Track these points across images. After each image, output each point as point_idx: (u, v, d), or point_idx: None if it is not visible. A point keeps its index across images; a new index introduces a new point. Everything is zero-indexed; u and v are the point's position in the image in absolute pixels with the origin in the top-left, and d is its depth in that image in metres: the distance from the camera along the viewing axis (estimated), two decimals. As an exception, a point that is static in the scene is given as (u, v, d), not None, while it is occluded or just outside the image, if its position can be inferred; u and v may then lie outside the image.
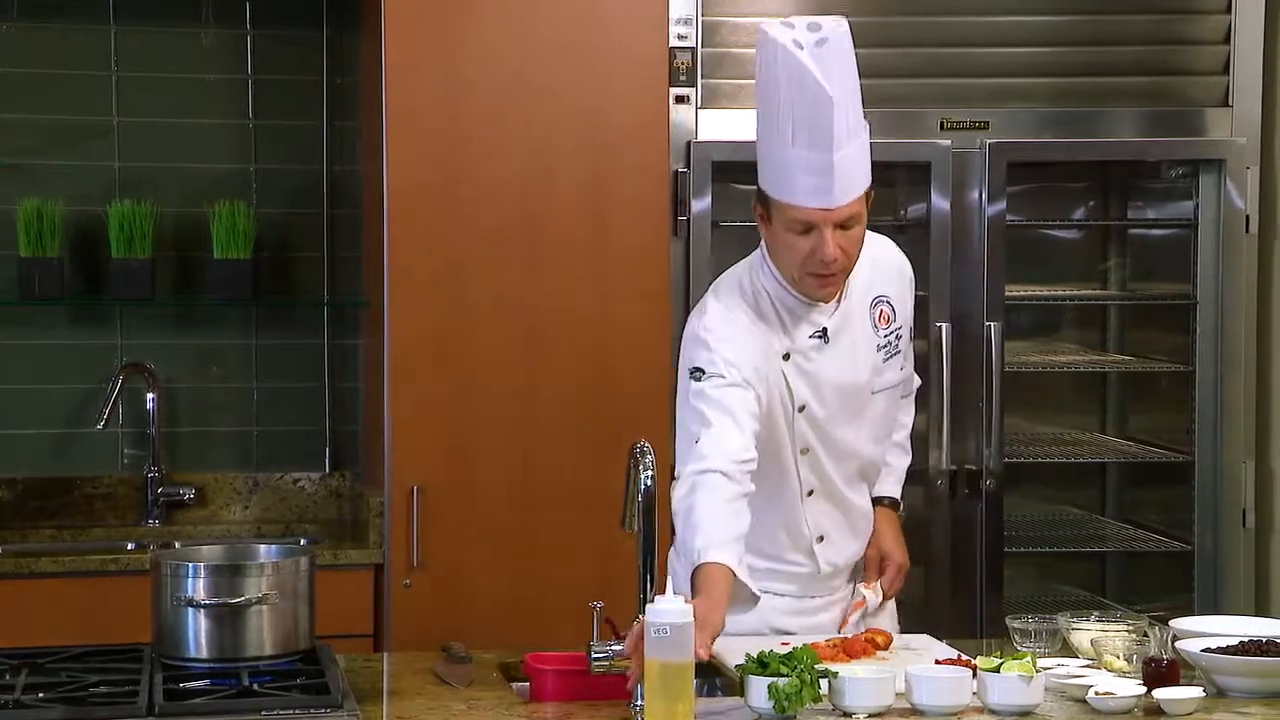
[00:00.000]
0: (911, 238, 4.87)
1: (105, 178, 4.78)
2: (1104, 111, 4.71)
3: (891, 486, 3.49)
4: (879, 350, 3.27)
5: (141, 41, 4.80)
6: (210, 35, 4.85)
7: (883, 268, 3.32)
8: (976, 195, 4.62)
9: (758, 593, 3.03)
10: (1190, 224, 4.80)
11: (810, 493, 3.28)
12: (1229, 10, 4.72)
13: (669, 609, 2.71)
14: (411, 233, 4.32)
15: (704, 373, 3.12)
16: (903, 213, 4.91)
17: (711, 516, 2.98)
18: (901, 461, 3.52)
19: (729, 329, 3.16)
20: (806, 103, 3.04)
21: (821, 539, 3.33)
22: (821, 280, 3.16)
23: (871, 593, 3.39)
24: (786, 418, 3.21)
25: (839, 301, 3.24)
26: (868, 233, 3.26)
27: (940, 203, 4.61)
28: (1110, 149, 4.74)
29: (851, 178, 3.09)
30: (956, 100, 4.64)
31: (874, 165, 4.77)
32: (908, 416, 3.55)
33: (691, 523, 2.99)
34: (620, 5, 4.39)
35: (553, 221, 4.35)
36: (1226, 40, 4.73)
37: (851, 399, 3.25)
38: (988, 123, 4.64)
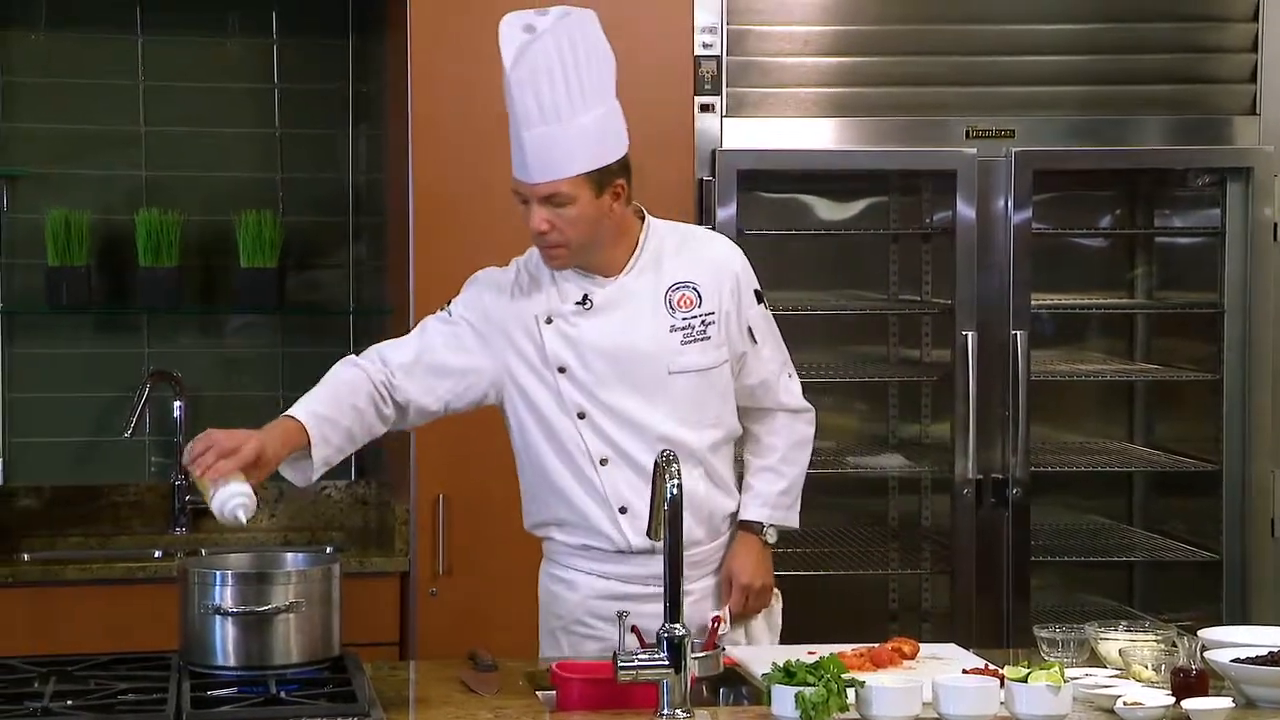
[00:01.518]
0: (937, 246, 4.87)
1: (132, 187, 4.80)
2: (1130, 119, 4.70)
3: (755, 510, 3.50)
4: (674, 331, 3.36)
5: (168, 51, 4.82)
6: (236, 44, 4.87)
7: (695, 258, 3.43)
8: (1002, 203, 4.61)
9: (312, 476, 3.26)
10: (1217, 232, 4.79)
11: (604, 461, 3.36)
12: (1256, 18, 4.70)
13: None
14: (437, 241, 4.33)
15: (443, 308, 3.45)
16: (928, 221, 4.90)
17: (319, 387, 3.30)
18: (769, 485, 3.51)
19: (483, 283, 3.44)
20: (506, 85, 3.26)
21: (624, 510, 3.37)
22: (549, 252, 3.35)
23: (721, 616, 3.36)
24: (549, 378, 3.36)
25: (616, 279, 3.38)
26: (698, 228, 3.61)
27: (966, 211, 4.60)
28: (1137, 157, 4.73)
29: (551, 158, 3.26)
30: (982, 108, 4.63)
31: (899, 173, 4.84)
32: (779, 439, 3.53)
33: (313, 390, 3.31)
34: (645, 14, 4.39)
35: (578, 230, 4.35)
36: (1254, 48, 4.71)
37: (629, 369, 3.35)
38: (1013, 131, 4.63)
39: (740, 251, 3.51)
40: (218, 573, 3.07)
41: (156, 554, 4.60)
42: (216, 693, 2.94)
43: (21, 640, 3.98)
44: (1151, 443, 5.10)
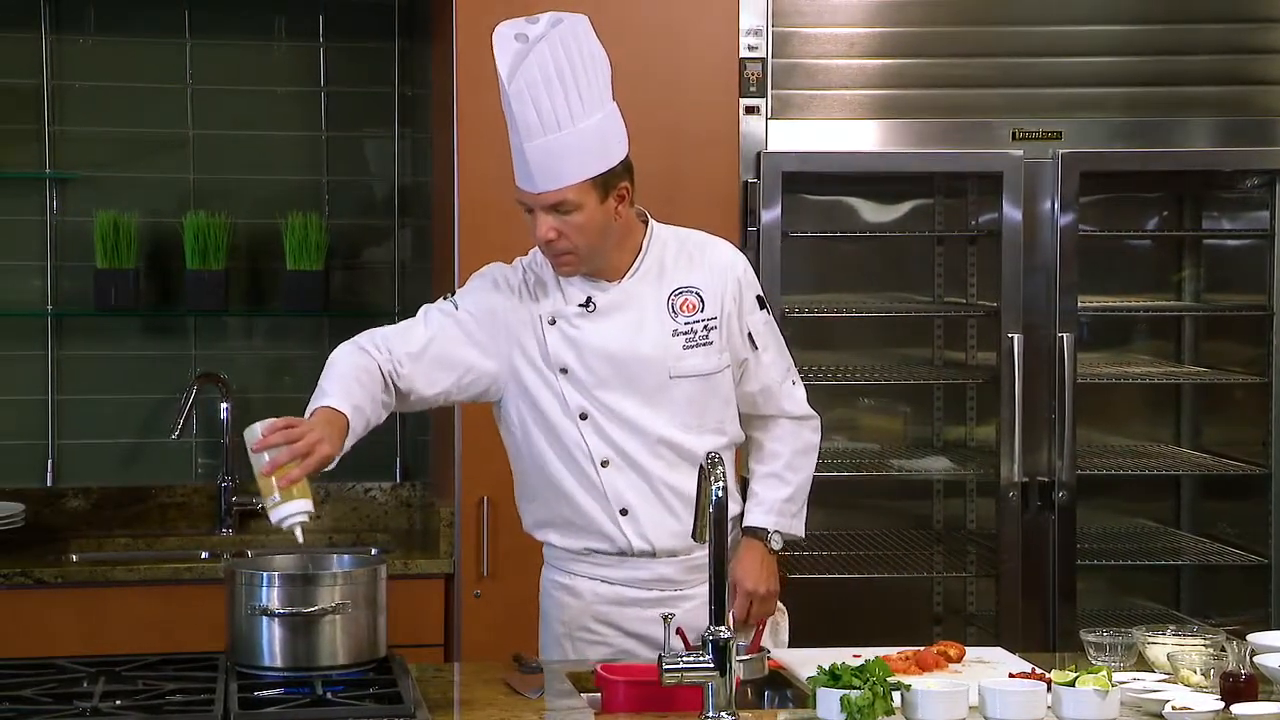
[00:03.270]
0: (982, 248, 4.86)
1: (180, 190, 4.83)
2: (1177, 121, 4.67)
3: (759, 516, 3.48)
4: (676, 335, 3.37)
5: (215, 55, 4.85)
6: (283, 48, 4.89)
7: (698, 264, 3.43)
8: (1049, 205, 4.59)
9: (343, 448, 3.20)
10: (1266, 234, 4.75)
11: (605, 462, 3.36)
12: (1304, 19, 4.68)
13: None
14: (482, 244, 4.32)
15: (446, 299, 3.44)
16: (974, 223, 4.89)
17: (343, 376, 3.25)
18: (774, 492, 3.49)
19: (491, 279, 3.43)
20: (504, 96, 3.27)
21: (625, 512, 3.37)
22: (558, 259, 3.35)
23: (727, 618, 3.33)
24: (551, 378, 3.36)
25: (619, 283, 3.38)
26: (701, 233, 3.50)
27: (1012, 213, 4.58)
28: (1184, 159, 4.70)
29: (554, 166, 3.27)
30: (1028, 110, 4.62)
31: (944, 175, 4.83)
32: (784, 445, 3.51)
33: (329, 375, 3.27)
34: (691, 16, 4.39)
35: (623, 232, 4.35)
36: (1302, 49, 4.68)
37: (631, 373, 3.35)
38: (1060, 133, 4.62)
39: (743, 257, 3.50)
40: (264, 574, 3.08)
41: (203, 555, 4.63)
42: (263, 693, 2.96)
43: (70, 641, 4.01)
44: (1199, 446, 5.07)
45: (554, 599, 3.48)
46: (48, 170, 4.77)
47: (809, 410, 3.54)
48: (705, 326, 3.39)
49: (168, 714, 2.85)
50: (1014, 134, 4.61)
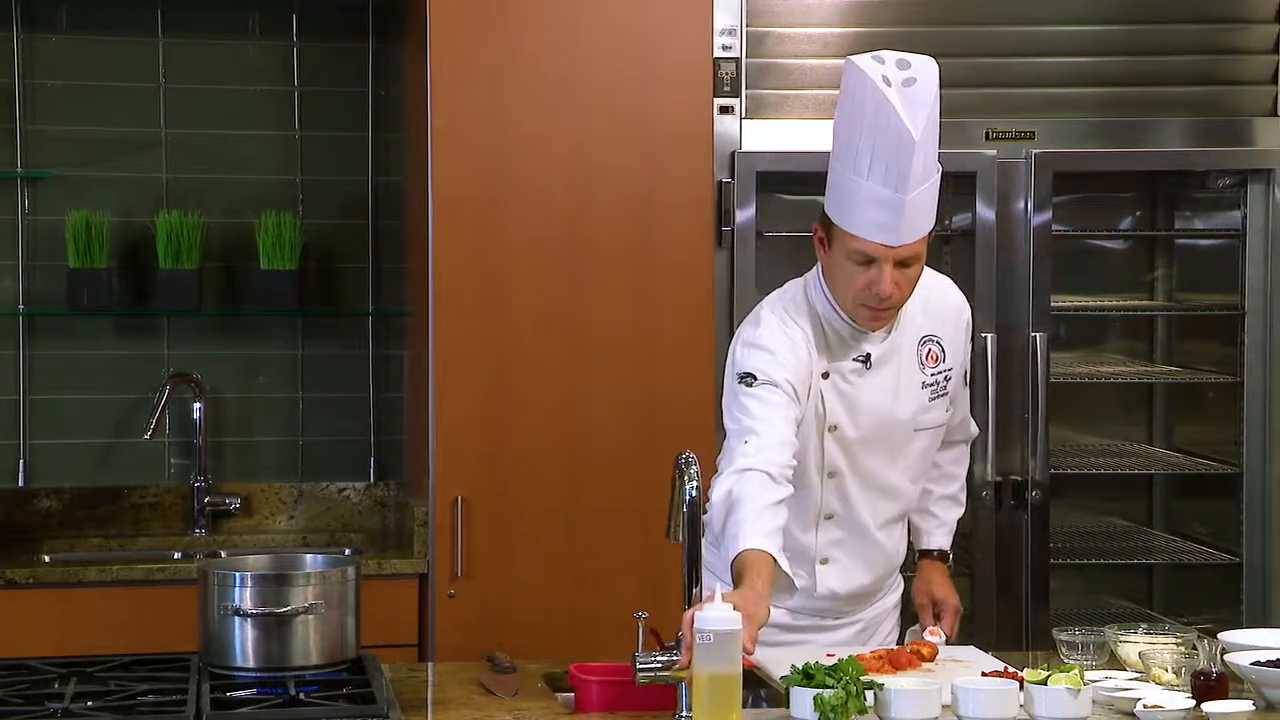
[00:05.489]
0: (956, 248, 4.86)
1: (153, 189, 4.82)
2: (1150, 121, 4.69)
3: (941, 539, 3.53)
4: (924, 388, 3.31)
5: (189, 54, 4.83)
6: (257, 47, 4.88)
7: (937, 308, 3.35)
8: (1022, 205, 4.60)
9: (796, 583, 3.03)
10: (1238, 234, 4.77)
11: (830, 516, 3.31)
12: (1278, 19, 4.69)
13: (717, 615, 2.70)
14: (456, 244, 4.33)
15: (755, 379, 3.16)
16: (948, 223, 4.89)
17: (754, 510, 3.00)
18: (951, 514, 3.54)
19: (781, 340, 3.21)
20: (888, 142, 3.07)
21: (825, 561, 3.35)
22: (874, 313, 3.21)
23: (937, 638, 3.38)
24: (818, 435, 3.25)
25: (888, 333, 3.28)
26: (930, 271, 3.33)
27: (986, 213, 4.59)
28: (1157, 159, 4.71)
29: (919, 220, 3.13)
30: (1002, 110, 4.63)
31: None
32: (960, 468, 3.55)
33: (735, 518, 3.01)
34: (665, 16, 4.39)
35: (597, 232, 4.36)
36: (1275, 49, 4.70)
37: (889, 429, 3.29)
38: (1033, 133, 4.63)
39: (963, 297, 3.43)
40: (237, 574, 3.08)
41: (176, 555, 4.62)
42: (236, 694, 2.96)
43: (42, 642, 3.99)
44: (1172, 445, 5.09)
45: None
46: (19, 169, 4.75)
47: (976, 429, 3.57)
48: (945, 378, 3.33)
49: (140, 715, 2.84)
50: (987, 134, 4.62)
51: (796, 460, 3.12)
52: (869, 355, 3.26)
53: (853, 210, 3.12)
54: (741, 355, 3.22)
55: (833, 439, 3.25)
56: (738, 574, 2.94)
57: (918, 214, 3.11)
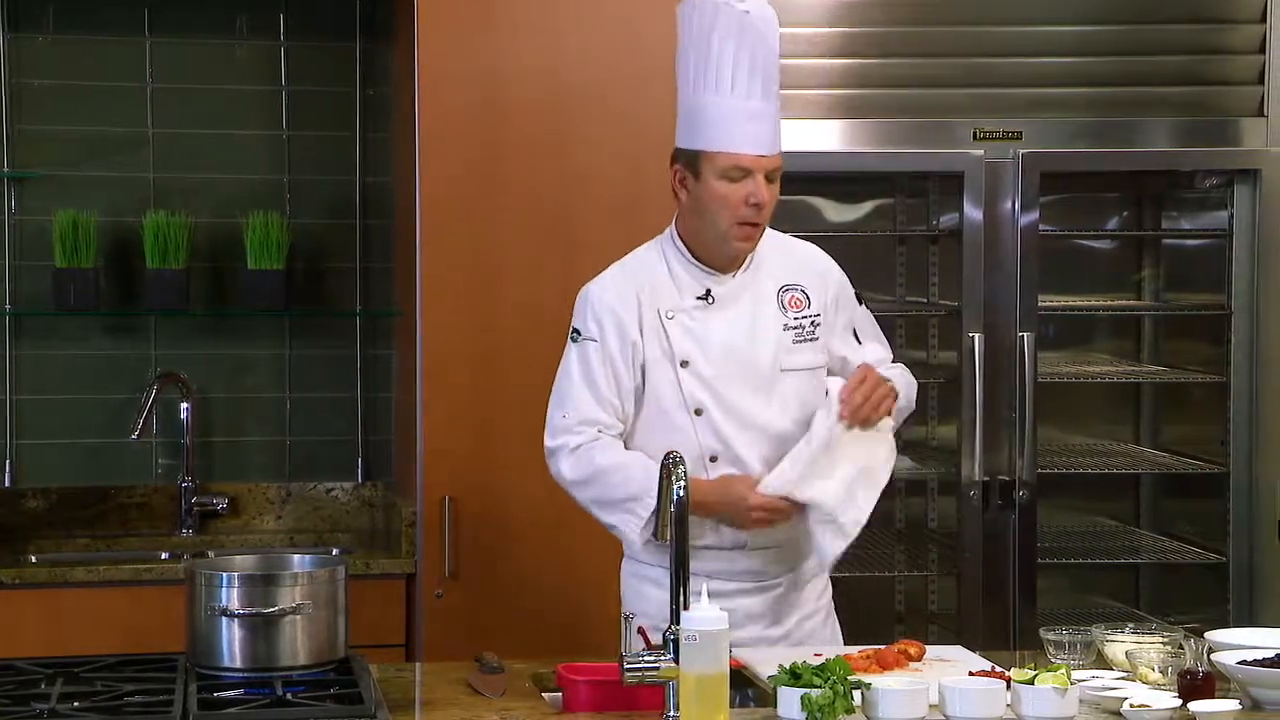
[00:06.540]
0: (944, 248, 4.88)
1: (140, 189, 4.81)
2: (1138, 121, 4.70)
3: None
4: (786, 330, 3.42)
5: (176, 53, 4.82)
6: (244, 47, 4.87)
7: (798, 262, 3.50)
8: (1009, 205, 4.61)
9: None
10: (1225, 234, 4.78)
11: (714, 458, 3.39)
12: (1264, 20, 4.70)
13: (703, 615, 2.71)
14: (444, 243, 4.33)
15: (580, 334, 3.42)
16: (935, 223, 4.90)
17: (633, 460, 3.32)
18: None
19: (610, 293, 3.42)
20: (748, 54, 3.27)
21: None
22: (749, 230, 3.35)
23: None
24: (673, 371, 3.38)
25: (735, 275, 3.42)
26: (793, 237, 3.55)
27: (973, 213, 4.60)
28: (1144, 159, 4.73)
29: (772, 132, 3.32)
30: (989, 110, 4.64)
31: (906, 175, 4.86)
32: (893, 372, 3.55)
33: (615, 481, 3.31)
34: (653, 13, 4.38)
35: (585, 230, 4.36)
36: (1262, 50, 4.71)
37: (749, 366, 3.39)
38: (1021, 133, 4.64)
39: (834, 263, 3.56)
40: (224, 574, 3.07)
41: (163, 555, 4.61)
42: (223, 694, 2.95)
43: (29, 642, 3.98)
44: (1158, 445, 5.10)
45: (636, 591, 3.43)
46: (6, 169, 4.74)
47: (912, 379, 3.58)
48: (812, 323, 3.45)
49: (126, 715, 2.84)
50: (975, 134, 4.63)
51: (613, 417, 3.35)
52: (708, 291, 3.40)
53: (724, 129, 3.30)
54: (576, 308, 3.45)
55: (689, 374, 3.38)
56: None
57: (770, 128, 3.31)
